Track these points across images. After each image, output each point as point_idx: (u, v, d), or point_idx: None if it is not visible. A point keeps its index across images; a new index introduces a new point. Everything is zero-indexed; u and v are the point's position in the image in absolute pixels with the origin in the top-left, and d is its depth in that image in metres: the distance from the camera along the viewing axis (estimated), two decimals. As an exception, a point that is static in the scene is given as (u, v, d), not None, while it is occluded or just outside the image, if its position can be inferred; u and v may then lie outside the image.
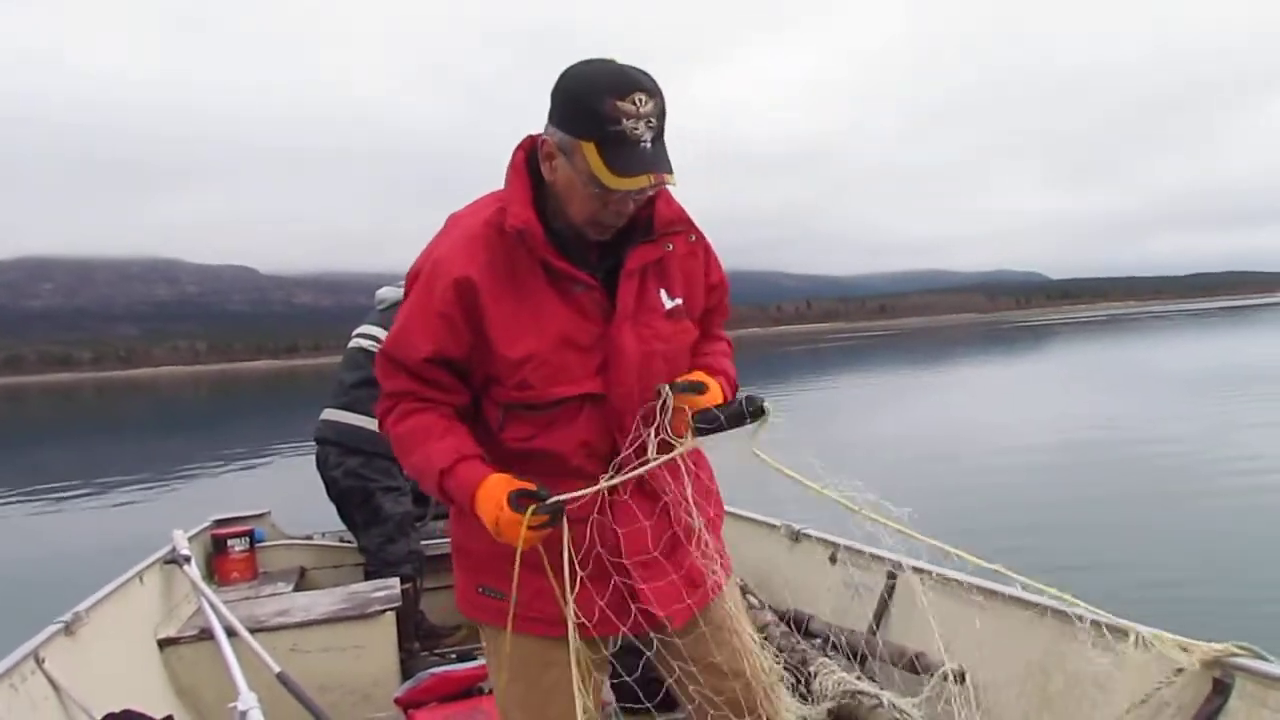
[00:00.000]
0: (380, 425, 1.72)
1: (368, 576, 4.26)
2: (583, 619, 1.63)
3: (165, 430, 32.31)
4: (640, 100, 1.48)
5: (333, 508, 4.31)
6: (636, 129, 1.48)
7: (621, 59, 1.54)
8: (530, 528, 1.52)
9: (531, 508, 1.52)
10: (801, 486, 1.72)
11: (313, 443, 4.21)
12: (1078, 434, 13.95)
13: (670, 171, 1.51)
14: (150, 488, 15.49)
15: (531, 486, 1.55)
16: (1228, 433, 12.81)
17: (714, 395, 1.66)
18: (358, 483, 4.06)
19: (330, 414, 4.17)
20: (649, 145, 1.50)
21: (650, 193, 1.61)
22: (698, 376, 1.68)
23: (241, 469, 17.32)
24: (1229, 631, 2.00)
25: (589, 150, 1.49)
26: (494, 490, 1.56)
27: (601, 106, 1.47)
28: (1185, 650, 1.86)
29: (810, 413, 19.83)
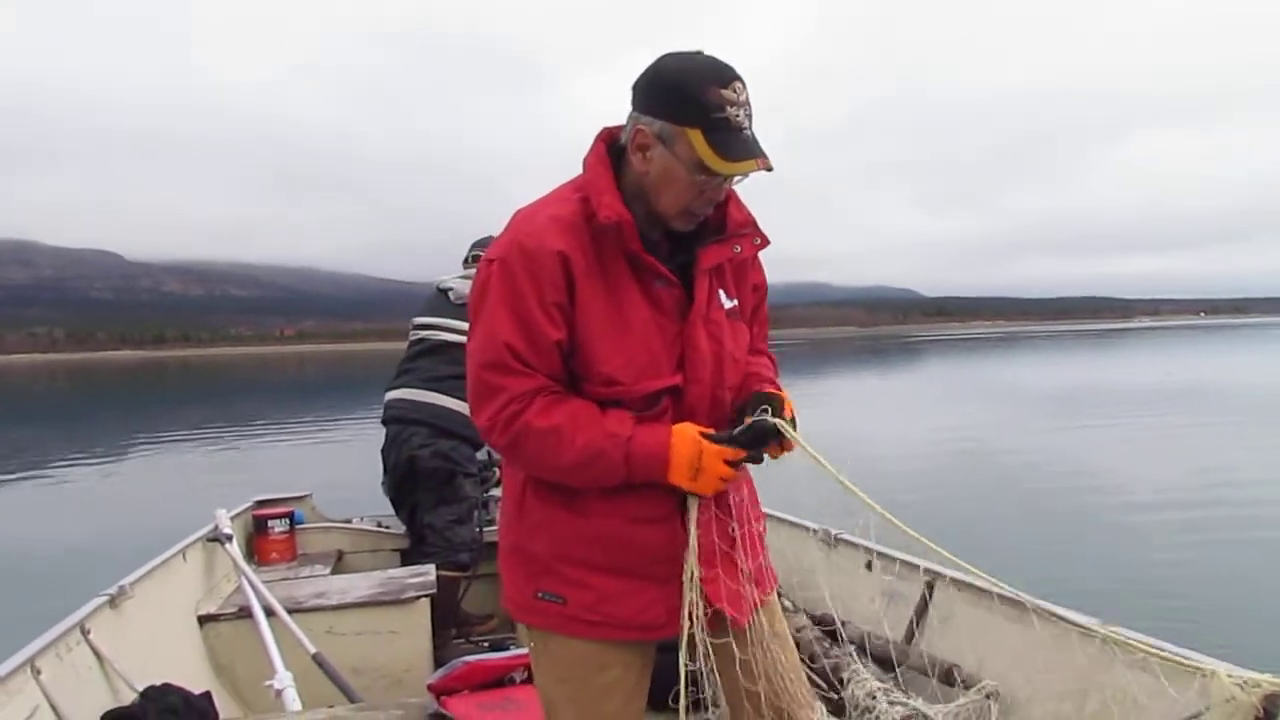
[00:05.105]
0: (500, 431, 1.61)
1: (405, 562, 4.31)
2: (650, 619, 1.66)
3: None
4: (739, 89, 1.52)
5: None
6: (738, 116, 1.51)
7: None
8: (727, 462, 1.59)
9: (731, 433, 1.61)
10: (819, 467, 1.70)
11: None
12: (965, 446, 14.41)
13: (768, 157, 1.55)
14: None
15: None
16: (1091, 449, 13.60)
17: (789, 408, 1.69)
18: (445, 464, 4.10)
19: (417, 394, 4.19)
20: (749, 132, 1.54)
21: (746, 178, 1.63)
22: (774, 391, 1.70)
23: (99, 467, 15.83)
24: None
25: (695, 137, 1.51)
26: (686, 432, 1.60)
27: (706, 94, 1.50)
28: (1238, 682, 1.81)
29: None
